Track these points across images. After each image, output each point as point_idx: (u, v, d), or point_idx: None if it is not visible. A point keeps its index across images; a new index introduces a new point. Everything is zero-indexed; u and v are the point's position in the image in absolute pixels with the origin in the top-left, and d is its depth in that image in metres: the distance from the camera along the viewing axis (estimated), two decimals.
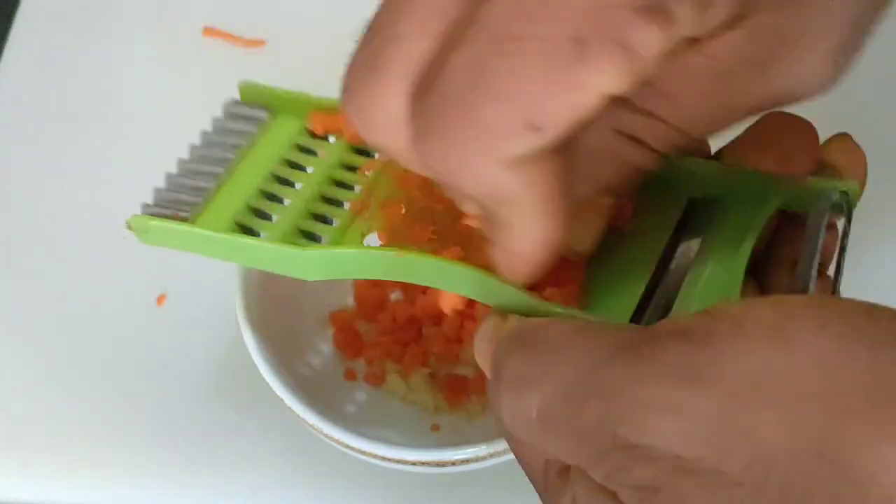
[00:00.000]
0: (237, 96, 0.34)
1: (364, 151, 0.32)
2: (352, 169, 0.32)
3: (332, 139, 0.33)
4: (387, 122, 0.25)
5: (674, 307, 0.28)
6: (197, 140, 0.33)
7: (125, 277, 0.47)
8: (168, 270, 0.47)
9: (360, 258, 0.29)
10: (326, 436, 0.37)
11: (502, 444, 0.34)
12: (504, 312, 0.28)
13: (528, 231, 0.26)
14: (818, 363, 0.21)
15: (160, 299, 0.46)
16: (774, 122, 0.29)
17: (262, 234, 0.31)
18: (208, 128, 0.33)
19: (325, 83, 0.51)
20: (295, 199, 0.31)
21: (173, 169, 0.32)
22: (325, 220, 0.31)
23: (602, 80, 0.23)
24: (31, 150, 0.52)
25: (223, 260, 0.31)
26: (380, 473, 0.36)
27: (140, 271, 0.47)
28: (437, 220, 0.30)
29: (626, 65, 0.23)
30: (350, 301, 0.44)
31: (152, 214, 0.31)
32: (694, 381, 0.21)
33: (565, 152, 0.25)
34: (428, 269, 0.28)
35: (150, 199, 0.31)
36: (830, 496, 0.20)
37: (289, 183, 0.32)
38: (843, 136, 0.30)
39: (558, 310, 0.27)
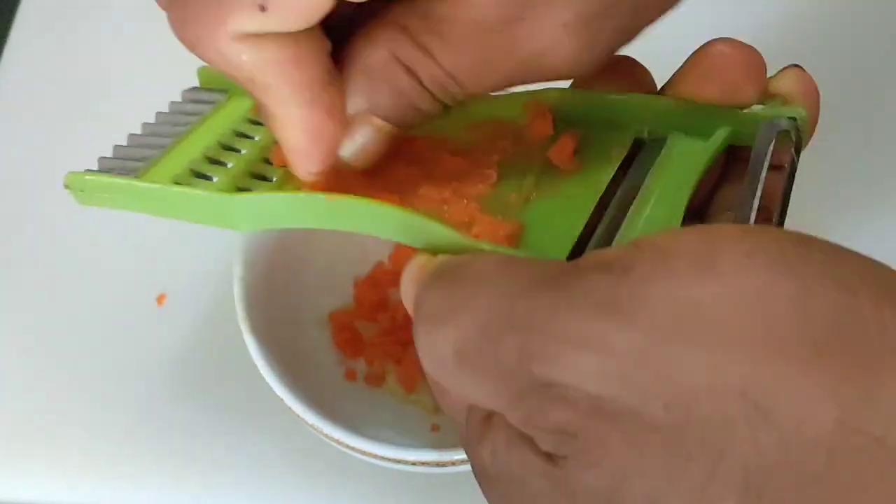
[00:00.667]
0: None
1: None
2: None
3: None
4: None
5: (612, 246, 0.26)
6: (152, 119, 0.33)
7: (125, 277, 0.47)
8: (168, 270, 0.47)
9: (289, 203, 0.28)
10: (326, 436, 0.37)
11: None
12: (434, 252, 0.26)
13: (284, 117, 0.27)
14: (744, 296, 0.20)
15: (160, 299, 0.46)
16: (717, 50, 0.28)
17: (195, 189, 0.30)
18: (165, 109, 0.33)
19: None
20: (237, 163, 0.31)
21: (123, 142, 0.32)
22: (263, 178, 0.31)
23: None
24: (31, 149, 0.52)
25: (158, 216, 0.30)
26: (380, 473, 0.36)
27: (140, 271, 0.47)
28: (374, 172, 0.29)
29: None
30: (350, 301, 0.44)
31: (91, 173, 0.30)
32: (612, 313, 0.20)
33: (344, 54, 0.27)
34: (357, 213, 0.27)
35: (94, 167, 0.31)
36: (753, 439, 0.19)
37: (234, 150, 0.32)
38: (796, 67, 0.29)
39: (486, 247, 0.26)
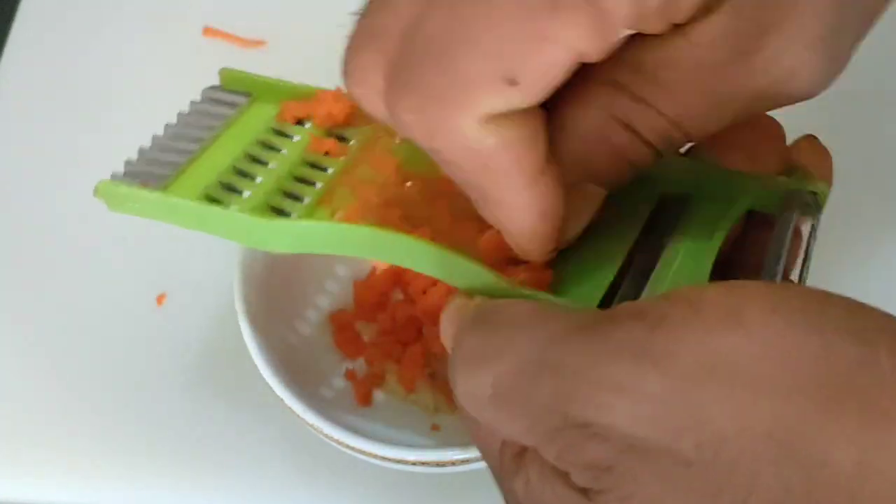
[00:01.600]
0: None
1: (340, 136, 0.33)
2: (326, 154, 0.32)
3: (308, 125, 0.33)
4: (364, 79, 0.25)
5: (641, 298, 0.27)
6: (174, 120, 0.33)
7: (125, 277, 0.47)
8: (168, 270, 0.47)
9: (327, 232, 0.29)
10: (326, 436, 0.37)
11: None
12: (471, 293, 0.27)
13: (517, 203, 0.26)
14: (770, 347, 0.21)
15: (160, 299, 0.46)
16: (744, 121, 0.28)
17: (230, 208, 0.30)
18: (185, 109, 0.33)
19: (324, 83, 0.51)
20: (266, 178, 0.31)
21: (147, 144, 0.32)
22: (295, 197, 0.31)
23: (571, 33, 0.23)
24: (31, 149, 0.52)
25: (188, 228, 0.30)
26: (380, 473, 0.36)
27: (140, 271, 0.47)
28: (408, 205, 0.30)
29: (595, 21, 0.23)
30: (350, 301, 0.44)
31: (122, 181, 0.31)
32: (646, 360, 0.21)
33: (553, 123, 0.26)
34: (395, 246, 0.28)
35: (121, 170, 0.31)
36: (778, 477, 0.20)
37: (262, 162, 0.32)
38: (811, 137, 0.30)
39: (525, 292, 0.27)
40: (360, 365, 0.43)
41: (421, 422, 0.41)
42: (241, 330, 0.38)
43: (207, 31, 0.54)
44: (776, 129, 0.29)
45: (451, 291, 0.29)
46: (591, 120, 0.26)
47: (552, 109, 0.26)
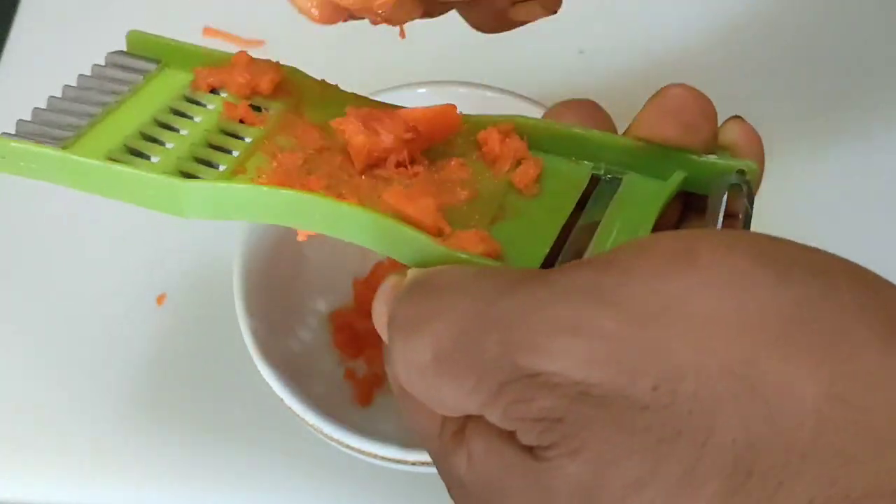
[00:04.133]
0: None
1: (257, 107, 0.30)
2: (241, 122, 0.30)
3: (223, 94, 0.31)
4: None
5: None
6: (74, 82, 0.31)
7: (125, 277, 0.47)
8: (168, 270, 0.47)
9: (249, 195, 0.26)
10: (326, 436, 0.37)
11: None
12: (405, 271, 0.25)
13: None
14: (725, 283, 0.20)
15: (160, 299, 0.46)
16: (674, 93, 0.28)
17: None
18: (87, 72, 0.31)
19: None
20: (178, 144, 0.29)
21: (42, 105, 0.30)
22: (209, 164, 0.28)
23: None
24: None
25: (85, 191, 0.28)
26: (380, 473, 0.36)
27: (140, 271, 0.47)
28: (334, 174, 0.28)
29: None
30: (350, 301, 0.44)
31: (16, 139, 0.28)
32: (599, 301, 0.20)
33: None
34: (322, 212, 0.26)
35: (11, 130, 0.29)
36: (739, 414, 0.19)
37: (172, 129, 0.29)
38: (738, 118, 0.29)
39: (463, 256, 0.25)
40: (360, 365, 0.43)
41: None
42: (241, 330, 0.38)
43: (207, 31, 0.54)
44: (707, 101, 0.29)
45: None
46: None
47: None
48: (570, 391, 0.20)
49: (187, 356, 0.45)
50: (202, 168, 0.28)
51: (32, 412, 0.44)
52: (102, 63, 0.31)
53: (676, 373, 0.19)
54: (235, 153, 0.28)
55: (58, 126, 0.28)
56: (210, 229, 0.47)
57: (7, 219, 0.50)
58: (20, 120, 0.29)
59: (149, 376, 0.44)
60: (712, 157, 0.28)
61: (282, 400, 0.37)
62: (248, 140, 0.29)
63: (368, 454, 0.36)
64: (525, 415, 0.21)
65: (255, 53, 0.31)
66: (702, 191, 0.28)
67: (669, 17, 0.55)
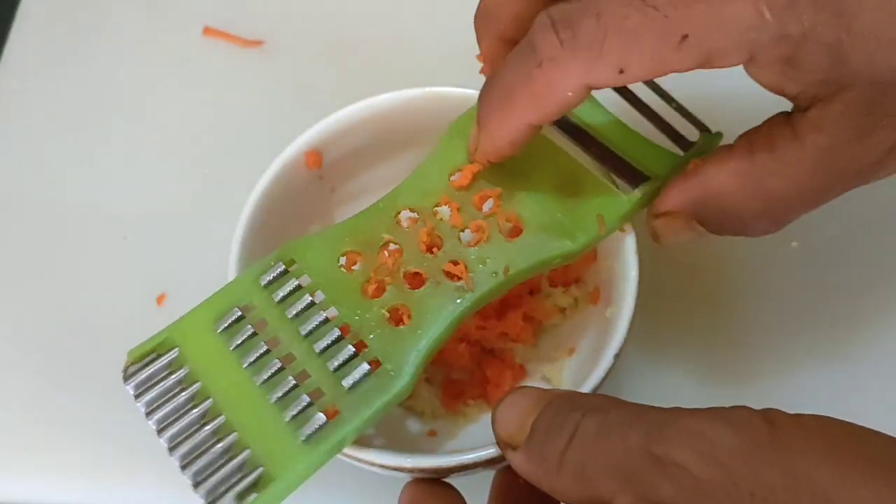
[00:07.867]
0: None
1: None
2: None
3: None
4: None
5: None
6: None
7: (125, 277, 0.47)
8: (168, 270, 0.47)
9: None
10: None
11: (498, 451, 0.34)
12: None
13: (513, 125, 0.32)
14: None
15: (160, 299, 0.46)
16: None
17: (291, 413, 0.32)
18: (131, 390, 0.34)
19: (323, 83, 0.51)
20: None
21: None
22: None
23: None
24: (31, 149, 0.52)
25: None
26: (377, 480, 0.36)
27: (140, 271, 0.47)
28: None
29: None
30: None
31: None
32: (724, 422, 0.25)
33: None
34: None
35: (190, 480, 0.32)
36: None
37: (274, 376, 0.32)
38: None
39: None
40: None
41: (418, 428, 0.41)
42: None
43: (207, 31, 0.54)
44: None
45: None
46: None
47: None
48: (688, 484, 0.24)
49: None
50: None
51: (32, 412, 0.44)
52: (139, 374, 0.34)
53: (770, 488, 0.23)
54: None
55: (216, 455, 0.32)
56: (210, 229, 0.47)
57: (7, 219, 0.50)
58: (195, 475, 0.32)
59: None
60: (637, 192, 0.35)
61: None
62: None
63: (365, 462, 0.36)
64: (652, 498, 0.25)
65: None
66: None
67: None
